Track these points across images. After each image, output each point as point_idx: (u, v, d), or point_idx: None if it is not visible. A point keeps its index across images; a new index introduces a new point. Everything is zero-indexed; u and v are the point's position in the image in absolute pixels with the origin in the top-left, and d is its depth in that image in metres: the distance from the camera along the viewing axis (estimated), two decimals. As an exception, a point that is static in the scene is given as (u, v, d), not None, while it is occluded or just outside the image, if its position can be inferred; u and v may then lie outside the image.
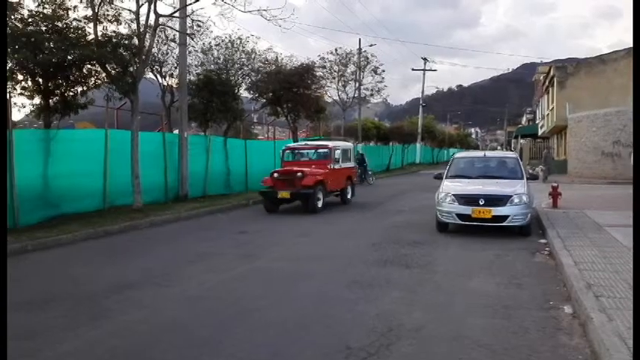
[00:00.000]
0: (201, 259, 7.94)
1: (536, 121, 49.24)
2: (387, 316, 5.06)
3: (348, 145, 18.02)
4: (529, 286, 6.20)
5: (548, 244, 8.55)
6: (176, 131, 16.97)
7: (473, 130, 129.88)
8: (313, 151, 15.81)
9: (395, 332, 4.61)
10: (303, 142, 17.30)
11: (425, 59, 53.67)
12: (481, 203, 9.50)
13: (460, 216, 9.67)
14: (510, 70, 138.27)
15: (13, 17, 11.50)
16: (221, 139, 18.30)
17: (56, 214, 11.05)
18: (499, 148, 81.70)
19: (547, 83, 36.34)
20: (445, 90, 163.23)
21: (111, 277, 6.81)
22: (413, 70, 55.32)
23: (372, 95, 32.57)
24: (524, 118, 73.22)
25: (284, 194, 13.46)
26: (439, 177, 11.27)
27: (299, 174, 13.54)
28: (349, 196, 16.15)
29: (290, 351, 4.28)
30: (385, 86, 31.94)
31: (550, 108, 34.80)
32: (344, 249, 8.75)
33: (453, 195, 9.82)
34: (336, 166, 15.09)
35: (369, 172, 25.94)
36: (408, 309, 5.32)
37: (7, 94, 11.88)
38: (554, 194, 12.84)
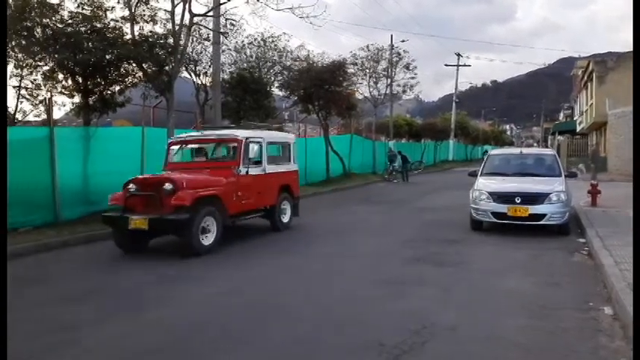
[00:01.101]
0: (232, 254, 8.04)
1: (574, 117, 47.81)
2: (420, 314, 5.02)
3: (283, 137, 11.43)
4: (567, 287, 6.04)
5: (587, 244, 8.31)
6: (210, 129, 17.19)
7: (508, 126, 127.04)
8: (215, 146, 10.29)
9: (428, 330, 4.57)
10: (199, 133, 10.69)
11: (458, 55, 52.86)
12: (517, 201, 9.30)
13: (495, 214, 9.49)
14: (547, 65, 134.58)
15: (53, 18, 11.91)
16: (253, 137, 18.44)
17: (96, 210, 11.36)
18: (535, 145, 79.70)
19: (586, 78, 35.22)
20: (479, 86, 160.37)
21: (146, 272, 6.97)
22: (446, 65, 54.31)
23: (404, 92, 32.22)
24: (561, 114, 71.21)
25: (138, 222, 7.76)
26: (474, 174, 11.09)
27: (167, 185, 7.94)
28: (285, 218, 10.48)
29: (322, 347, 4.30)
30: (417, 82, 31.58)
31: (589, 104, 33.74)
32: (377, 246, 8.72)
33: (488, 193, 9.66)
34: (253, 171, 9.27)
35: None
36: (442, 307, 5.27)
37: (50, 94, 12.34)
38: (593, 192, 12.46)
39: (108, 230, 9.13)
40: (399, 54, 30.35)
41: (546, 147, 48.70)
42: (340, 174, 23.96)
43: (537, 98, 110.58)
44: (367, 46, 28.60)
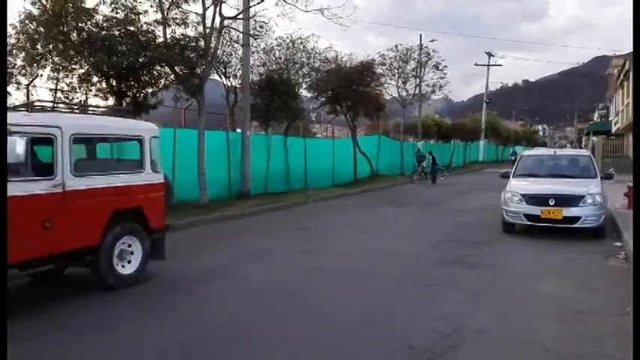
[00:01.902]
0: (264, 255, 8.12)
1: (610, 118, 46.41)
2: (450, 316, 4.97)
3: (124, 127, 6.66)
4: (603, 291, 5.89)
5: (624, 248, 8.06)
6: (239, 130, 17.43)
7: (540, 127, 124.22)
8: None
9: (459, 334, 4.52)
10: None
11: (489, 54, 52.04)
12: (551, 203, 9.10)
13: (528, 216, 9.31)
14: (581, 64, 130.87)
15: (89, 22, 12.27)
16: (281, 138, 18.61)
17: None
18: (568, 145, 77.74)
19: (622, 77, 34.14)
20: (510, 85, 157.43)
21: (180, 270, 7.09)
22: (476, 65, 53.47)
23: (433, 92, 31.96)
24: (595, 114, 69.18)
25: None
26: (506, 176, 10.91)
27: None
28: (130, 267, 6.33)
29: (351, 348, 4.31)
30: (447, 82, 31.25)
31: (625, 103, 32.68)
32: (406, 248, 8.66)
33: (521, 194, 9.48)
34: (23, 189, 5.08)
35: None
36: (473, 311, 5.20)
37: (85, 96, 12.71)
38: (630, 194, 12.08)
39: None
40: (428, 54, 30.13)
41: (580, 148, 47.51)
42: (368, 175, 23.89)
43: (571, 98, 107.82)
44: (396, 46, 28.50)
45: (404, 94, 29.68)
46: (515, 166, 11.10)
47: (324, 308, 5.34)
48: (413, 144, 31.26)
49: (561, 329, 4.65)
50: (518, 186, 9.91)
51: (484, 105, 51.57)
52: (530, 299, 5.64)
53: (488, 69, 52.72)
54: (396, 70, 28.73)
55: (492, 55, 52.21)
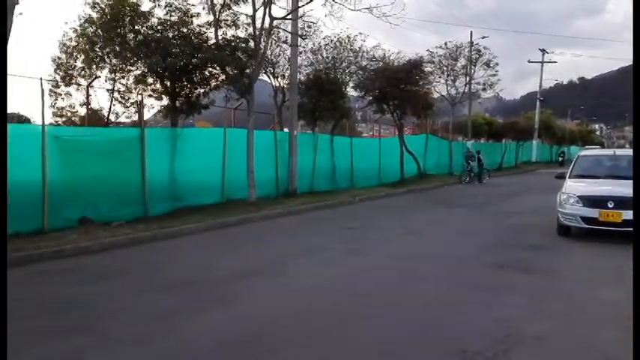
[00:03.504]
0: (312, 253, 8.17)
1: (675, 116, 43.70)
2: (504, 321, 4.83)
3: None
4: (669, 299, 5.55)
5: (693, 254, 7.58)
6: (286, 129, 17.62)
7: (597, 126, 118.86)
8: None
9: (514, 339, 4.39)
10: None
11: (543, 50, 50.13)
12: (610, 206, 8.68)
13: (585, 219, 8.92)
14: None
15: (144, 25, 12.72)
16: (328, 137, 18.67)
17: (180, 206, 11.99)
18: (627, 145, 73.85)
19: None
20: (565, 83, 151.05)
21: (232, 266, 7.25)
22: (529, 62, 51.70)
23: (483, 90, 31.13)
24: (658, 113, 65.35)
25: None
26: (561, 176, 10.50)
27: None
28: None
29: (403, 349, 4.27)
30: (499, 80, 30.35)
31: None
32: (456, 250, 8.49)
33: (578, 196, 9.10)
34: None
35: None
36: (528, 316, 5.04)
37: (141, 96, 13.18)
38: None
39: (195, 224, 9.56)
40: (479, 51, 29.39)
41: None
42: (415, 175, 23.59)
43: (629, 96, 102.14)
44: (445, 44, 27.99)
45: (453, 92, 29.09)
46: (571, 167, 10.67)
47: (374, 309, 5.31)
48: (462, 143, 30.61)
49: (622, 337, 4.42)
50: (575, 187, 9.52)
51: (537, 103, 49.75)
52: (588, 305, 5.41)
53: (542, 66, 50.87)
54: (445, 68, 28.20)
55: (546, 52, 50.30)
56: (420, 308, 5.35)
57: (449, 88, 28.92)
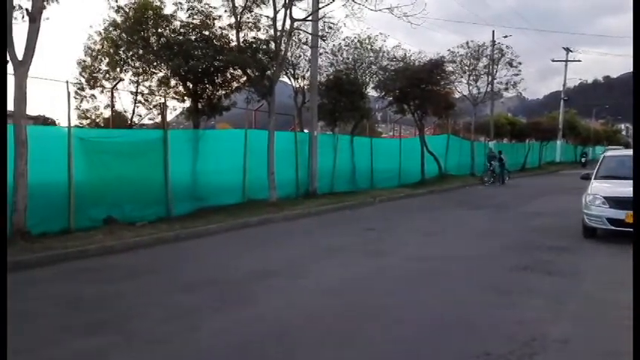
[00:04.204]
0: (332, 254, 8.17)
1: None
2: (529, 324, 4.76)
3: None
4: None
5: None
6: (306, 130, 17.66)
7: (623, 125, 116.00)
8: None
9: (539, 342, 4.32)
10: None
11: (567, 49, 49.22)
12: (638, 207, 8.47)
13: (611, 221, 8.73)
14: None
15: (167, 28, 12.89)
16: (348, 138, 18.65)
17: (202, 206, 12.12)
18: (655, 145, 71.90)
19: None
20: (590, 82, 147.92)
21: (253, 265, 7.30)
22: (553, 61, 50.77)
23: (506, 89, 30.70)
24: (688, 112, 63.55)
25: None
26: (587, 177, 10.29)
27: None
28: None
29: (424, 351, 4.24)
30: (521, 79, 29.89)
31: None
32: (478, 251, 8.40)
33: (604, 197, 8.91)
34: None
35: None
36: (553, 319, 4.95)
37: (164, 99, 13.38)
38: None
39: (217, 225, 9.65)
40: (501, 50, 29.01)
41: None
42: (436, 175, 23.39)
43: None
44: (467, 43, 27.68)
45: (475, 92, 28.75)
46: (597, 168, 10.45)
47: (395, 310, 5.29)
48: (484, 143, 30.25)
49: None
50: (600, 188, 9.32)
51: (562, 103, 48.84)
52: (615, 309, 5.27)
53: (566, 65, 49.92)
54: (466, 68, 27.89)
55: (570, 51, 49.37)
56: (441, 310, 5.30)
57: (470, 87, 28.60)
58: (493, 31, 30.18)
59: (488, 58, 28.59)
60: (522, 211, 13.73)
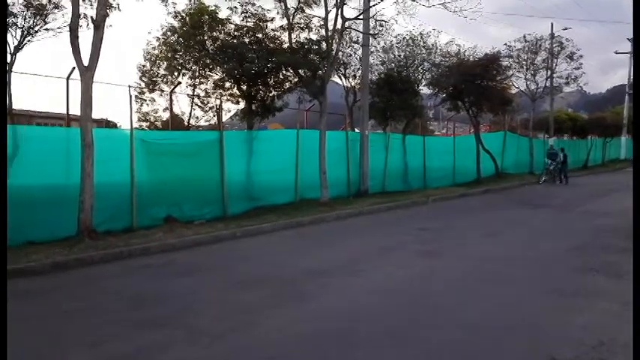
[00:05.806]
0: (385, 253, 8.11)
1: None
2: (596, 328, 4.55)
3: None
4: None
5: None
6: (357, 130, 17.61)
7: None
8: None
9: (607, 347, 4.12)
10: None
11: (631, 40, 46.50)
12: None
13: (686, 221, 8.17)
14: None
15: (222, 32, 13.23)
16: (399, 136, 18.45)
17: (256, 205, 12.35)
18: None
19: None
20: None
21: (307, 264, 7.36)
22: (616, 53, 48.38)
23: (566, 84, 29.32)
24: None
25: None
26: (657, 174, 9.68)
27: None
28: None
29: (484, 355, 4.12)
30: (583, 73, 28.48)
31: None
32: (539, 252, 8.09)
33: (677, 196, 8.35)
34: None
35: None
36: (622, 323, 4.69)
37: (219, 101, 13.74)
38: None
39: (271, 224, 9.78)
40: (561, 43, 27.74)
41: None
42: (492, 174, 22.71)
43: None
44: (524, 37, 26.65)
45: (533, 87, 27.67)
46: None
47: (457, 312, 5.16)
48: (543, 140, 29.09)
49: None
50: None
51: (626, 97, 46.17)
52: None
53: (631, 57, 47.16)
54: (524, 62, 26.89)
55: (636, 41, 46.58)
56: (502, 312, 5.15)
57: (528, 82, 27.53)
58: (552, 24, 29.00)
59: (547, 51, 27.45)
60: (586, 210, 13.10)
